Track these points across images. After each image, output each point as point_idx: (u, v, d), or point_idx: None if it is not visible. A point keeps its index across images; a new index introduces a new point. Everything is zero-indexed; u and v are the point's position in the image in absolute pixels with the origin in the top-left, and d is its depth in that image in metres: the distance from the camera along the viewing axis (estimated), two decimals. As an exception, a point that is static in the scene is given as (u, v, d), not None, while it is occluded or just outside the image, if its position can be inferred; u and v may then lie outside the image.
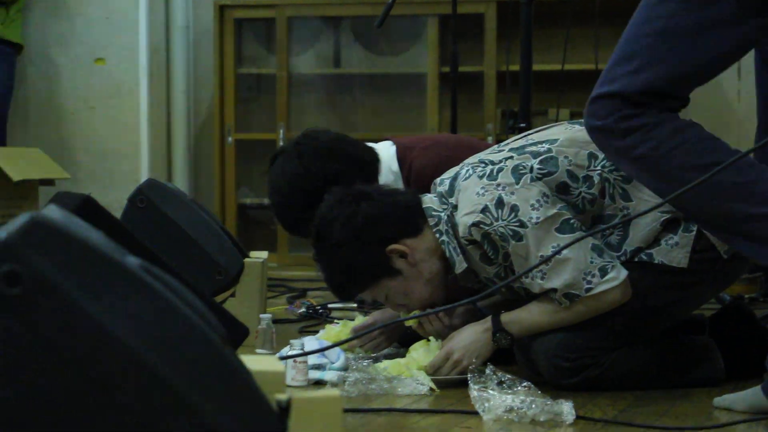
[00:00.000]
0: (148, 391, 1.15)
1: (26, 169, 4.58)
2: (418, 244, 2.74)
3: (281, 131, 5.92)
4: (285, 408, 1.24)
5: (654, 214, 2.60)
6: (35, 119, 6.01)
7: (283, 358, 2.58)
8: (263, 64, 6.18)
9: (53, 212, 1.14)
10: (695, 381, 2.73)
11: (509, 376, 2.40)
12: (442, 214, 2.74)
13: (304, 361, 2.62)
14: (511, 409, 2.33)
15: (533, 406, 2.32)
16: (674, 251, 2.62)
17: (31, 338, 1.13)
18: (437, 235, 2.73)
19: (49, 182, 4.85)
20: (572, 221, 2.61)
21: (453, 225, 2.72)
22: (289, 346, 2.69)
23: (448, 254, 2.72)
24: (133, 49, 5.95)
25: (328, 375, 2.71)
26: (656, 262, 2.63)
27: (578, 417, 2.34)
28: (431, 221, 2.74)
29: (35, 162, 4.76)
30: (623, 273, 2.59)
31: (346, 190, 2.83)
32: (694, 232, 2.61)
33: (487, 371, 2.42)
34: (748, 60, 5.50)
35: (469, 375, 2.43)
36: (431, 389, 2.64)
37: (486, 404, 2.35)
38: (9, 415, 1.14)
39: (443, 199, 2.76)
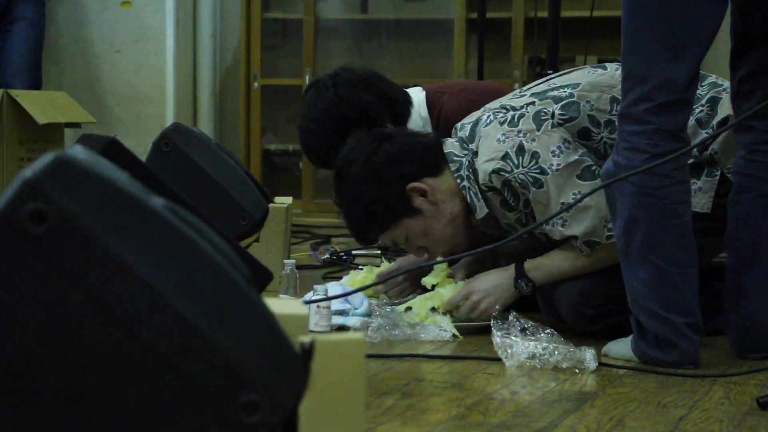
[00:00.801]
0: (171, 331, 1.16)
1: (52, 112, 4.58)
2: (439, 184, 2.74)
3: (307, 77, 5.90)
4: (308, 350, 1.24)
5: None
6: (61, 62, 6.01)
7: (306, 303, 2.59)
8: (290, 8, 6.15)
9: (79, 152, 1.14)
10: (717, 328, 2.72)
11: (532, 323, 2.41)
12: (464, 160, 2.73)
13: (328, 307, 2.63)
14: (533, 356, 2.33)
15: (556, 352, 2.33)
16: (697, 196, 2.61)
17: (56, 277, 1.13)
18: (458, 181, 2.73)
19: (75, 125, 4.85)
20: (593, 167, 2.60)
21: (474, 170, 2.72)
22: (312, 292, 2.70)
23: (469, 200, 2.72)
24: (159, -8, 5.93)
25: (351, 320, 2.72)
26: (680, 207, 2.62)
27: (600, 364, 2.34)
28: (453, 166, 2.74)
29: (61, 105, 4.76)
30: None
31: (368, 131, 2.83)
32: (718, 177, 2.60)
33: (510, 318, 2.42)
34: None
35: (492, 321, 2.44)
36: (454, 335, 2.65)
37: (509, 351, 2.35)
38: (34, 354, 1.14)
39: (464, 145, 2.76)
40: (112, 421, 1.16)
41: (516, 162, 2.60)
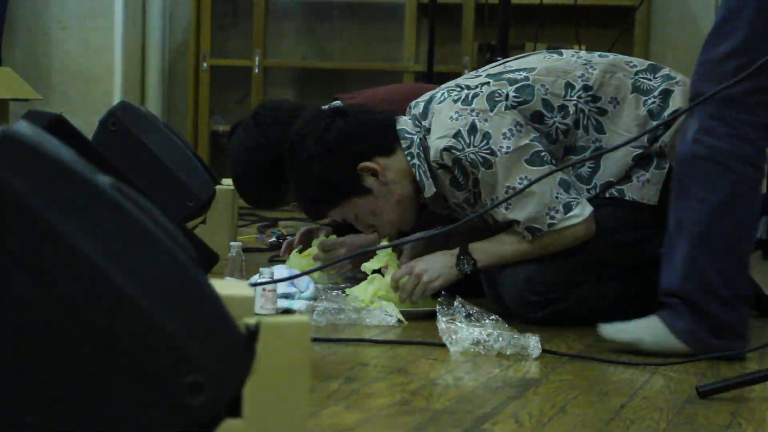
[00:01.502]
0: (115, 311, 1.15)
1: (-4, 88, 4.53)
2: (391, 164, 2.74)
3: (257, 58, 5.87)
4: (253, 332, 1.24)
5: (626, 149, 2.60)
6: (7, 39, 5.93)
7: (252, 285, 2.58)
8: (240, -11, 6.11)
9: (23, 127, 1.13)
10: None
11: (477, 308, 2.41)
12: (415, 137, 2.73)
13: (273, 290, 2.62)
14: (478, 342, 2.34)
15: (500, 339, 2.34)
16: (645, 188, 2.63)
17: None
18: (408, 158, 2.73)
19: (21, 102, 4.79)
20: (543, 153, 2.60)
21: (425, 148, 2.72)
22: (258, 275, 2.69)
23: (418, 177, 2.72)
24: (108, -31, 5.87)
25: (297, 304, 2.72)
26: (627, 198, 2.64)
27: (544, 351, 2.35)
28: (404, 143, 2.74)
29: (6, 82, 4.71)
30: (588, 210, 2.60)
31: (323, 106, 2.82)
32: (666, 169, 2.62)
33: (456, 304, 2.43)
34: None
35: (437, 307, 2.44)
36: (399, 321, 2.65)
37: (453, 336, 2.36)
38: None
39: (417, 122, 2.76)
40: (54, 402, 1.15)
41: (467, 141, 2.61)
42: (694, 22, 5.58)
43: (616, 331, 2.42)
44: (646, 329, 2.39)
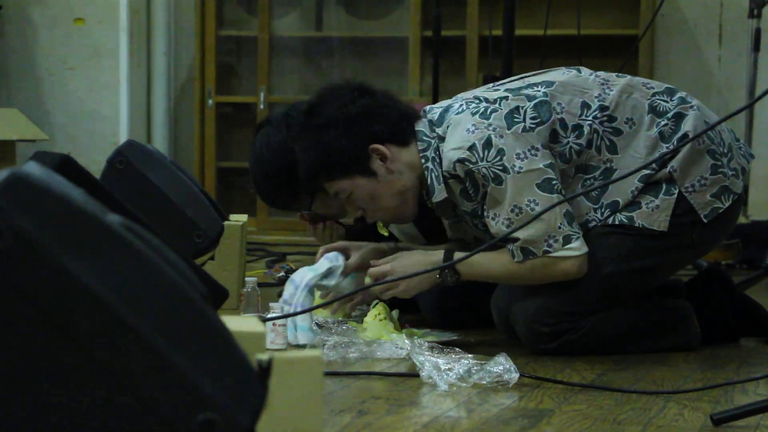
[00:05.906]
0: (127, 350, 1.15)
1: (3, 130, 4.55)
2: (402, 155, 2.73)
3: (262, 94, 5.89)
4: (266, 368, 1.24)
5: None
6: (13, 80, 5.97)
7: (264, 321, 2.58)
8: (244, 26, 6.14)
9: (33, 168, 1.13)
10: (672, 345, 2.74)
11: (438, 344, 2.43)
12: (432, 141, 2.72)
13: (284, 325, 2.62)
14: (461, 378, 2.33)
15: (473, 370, 2.33)
16: (655, 214, 2.62)
17: (11, 294, 1.12)
18: (423, 161, 2.71)
19: (27, 142, 4.81)
20: (554, 182, 2.59)
21: (439, 155, 2.71)
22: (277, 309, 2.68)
23: (429, 182, 2.70)
24: (113, 9, 5.90)
25: (303, 337, 2.69)
26: (636, 225, 2.63)
27: (557, 381, 2.35)
28: (420, 145, 2.72)
29: (13, 122, 4.73)
30: (585, 248, 2.59)
31: (351, 81, 2.81)
32: (675, 195, 2.61)
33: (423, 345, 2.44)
34: (729, 25, 5.52)
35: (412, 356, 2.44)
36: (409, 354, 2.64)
37: (436, 376, 2.34)
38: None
39: (432, 127, 2.74)
40: (67, 441, 1.15)
41: (481, 155, 2.60)
42: (698, 51, 5.59)
43: None
44: None
